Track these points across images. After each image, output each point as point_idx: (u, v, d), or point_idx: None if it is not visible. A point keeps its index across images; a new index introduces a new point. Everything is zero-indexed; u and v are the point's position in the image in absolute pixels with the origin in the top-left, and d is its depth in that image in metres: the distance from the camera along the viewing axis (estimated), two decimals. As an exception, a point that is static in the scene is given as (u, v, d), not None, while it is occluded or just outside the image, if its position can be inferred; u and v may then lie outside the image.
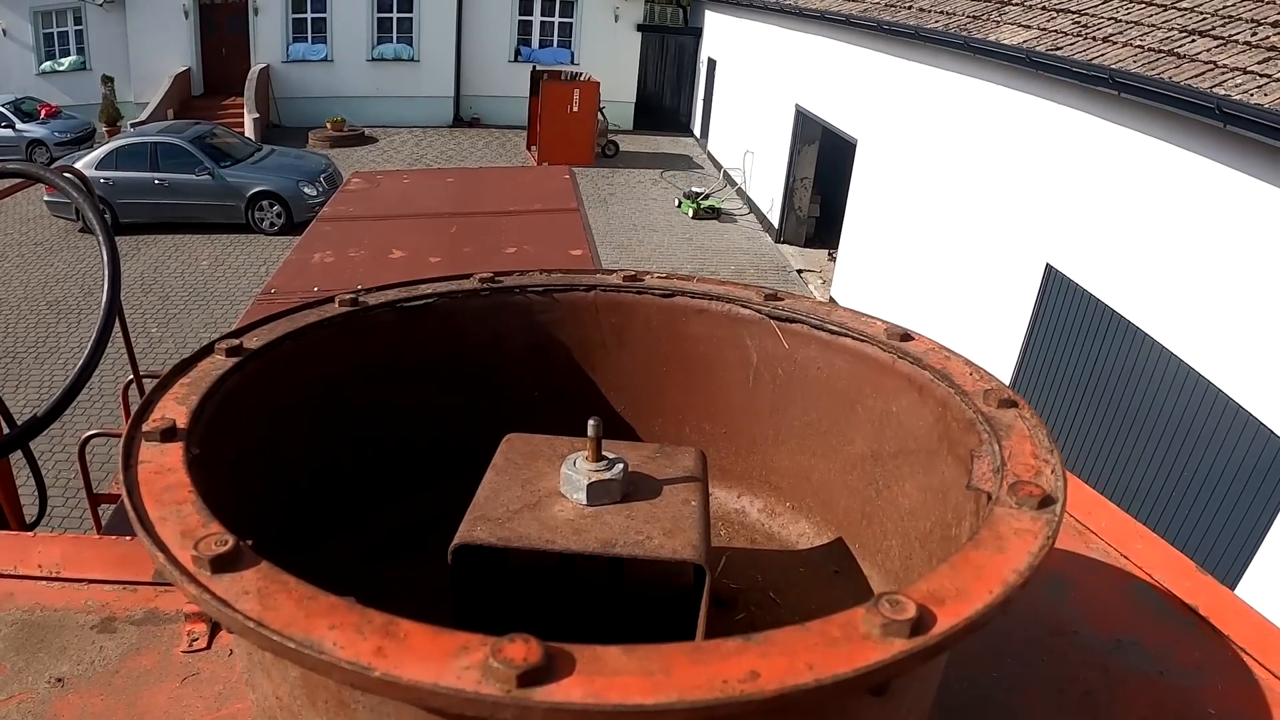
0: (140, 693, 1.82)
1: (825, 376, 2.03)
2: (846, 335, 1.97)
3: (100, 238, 3.60)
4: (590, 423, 1.61)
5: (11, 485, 4.60)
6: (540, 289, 2.19)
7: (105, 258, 3.60)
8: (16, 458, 4.19)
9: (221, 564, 1.05)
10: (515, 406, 2.19)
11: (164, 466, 1.29)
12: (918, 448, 1.80)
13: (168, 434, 1.38)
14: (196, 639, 1.95)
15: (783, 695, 0.88)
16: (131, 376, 5.01)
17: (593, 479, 1.60)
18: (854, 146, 19.33)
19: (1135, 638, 2.03)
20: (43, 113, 29.99)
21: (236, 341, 1.73)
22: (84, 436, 4.85)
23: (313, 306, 1.97)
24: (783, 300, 2.10)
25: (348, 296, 2.01)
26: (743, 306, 2.13)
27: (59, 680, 1.83)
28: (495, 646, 0.90)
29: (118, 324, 4.28)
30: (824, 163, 23.32)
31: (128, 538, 2.20)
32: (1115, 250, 10.60)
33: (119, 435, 3.96)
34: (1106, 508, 2.44)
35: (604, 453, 1.63)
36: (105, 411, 13.95)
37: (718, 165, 31.17)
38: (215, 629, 1.98)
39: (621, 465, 1.64)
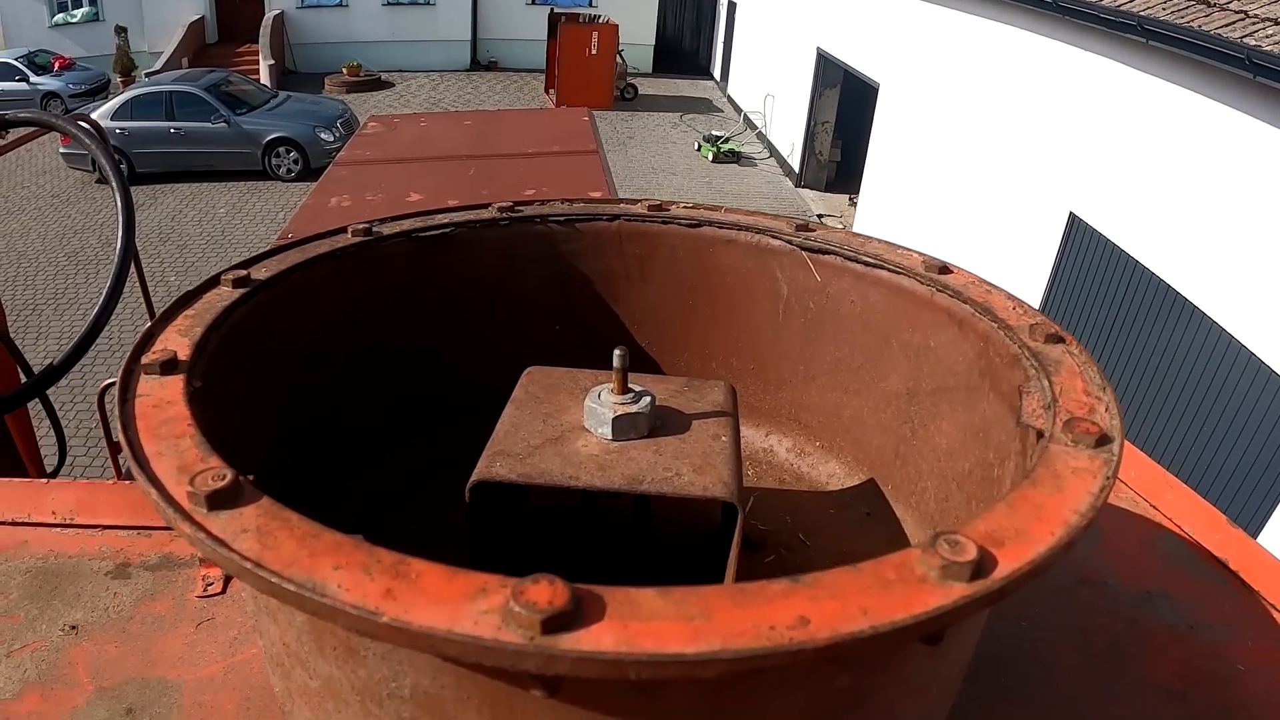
0: (154, 639, 1.78)
1: (859, 310, 1.95)
2: (882, 267, 1.88)
3: (114, 185, 3.55)
4: (616, 353, 1.53)
5: (31, 434, 4.61)
6: (561, 218, 2.10)
7: (119, 205, 3.55)
8: (36, 408, 4.17)
9: (219, 500, 0.98)
10: (535, 340, 2.12)
11: (163, 400, 1.22)
12: (957, 384, 1.72)
13: (168, 366, 1.31)
14: (211, 584, 1.91)
15: (836, 644, 0.80)
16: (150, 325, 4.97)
17: (619, 412, 1.52)
18: (876, 90, 19.04)
19: (1165, 590, 1.98)
20: (56, 65, 29.89)
21: (244, 272, 1.65)
22: (103, 385, 4.82)
23: (325, 237, 1.89)
24: (814, 231, 2.01)
25: (361, 226, 1.93)
26: (773, 237, 2.03)
27: (73, 628, 1.79)
28: (517, 588, 0.82)
29: (134, 272, 4.25)
30: (845, 107, 23.03)
31: None
32: (1140, 200, 10.42)
33: None
34: (1136, 456, 2.37)
35: (630, 385, 1.55)
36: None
37: (738, 109, 30.84)
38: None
39: (649, 398, 1.56)
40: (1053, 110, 12.44)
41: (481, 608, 0.83)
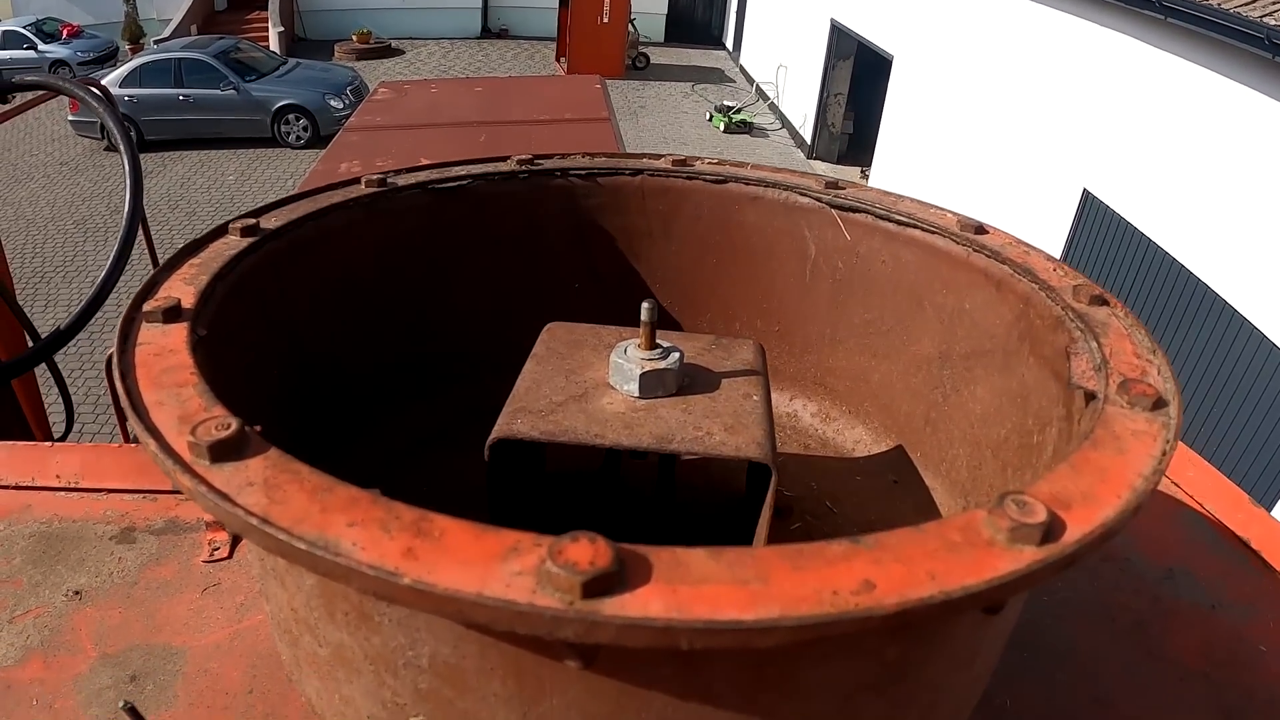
0: (159, 604, 1.75)
1: (890, 270, 1.89)
2: (915, 226, 1.81)
3: (121, 148, 3.50)
4: (644, 305, 1.47)
5: (39, 400, 4.58)
6: (583, 172, 2.04)
7: (127, 170, 3.51)
8: (44, 374, 4.14)
9: (222, 451, 0.91)
10: (554, 298, 2.05)
11: (165, 348, 1.16)
12: (994, 348, 1.66)
13: (171, 314, 1.25)
14: (218, 548, 1.88)
15: (905, 610, 0.73)
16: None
17: (646, 368, 1.46)
18: (890, 63, 18.89)
19: (1187, 568, 1.96)
20: (64, 33, 29.80)
21: (253, 221, 1.59)
22: (110, 352, 4.78)
23: (338, 188, 1.83)
24: (845, 189, 1.95)
25: (375, 177, 1.87)
26: (801, 194, 1.97)
27: (77, 593, 1.76)
28: (554, 547, 0.74)
29: (142, 238, 4.21)
30: (858, 79, 22.86)
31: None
32: (1154, 178, 10.32)
33: None
34: None
35: (658, 341, 1.49)
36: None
37: (750, 79, 30.65)
38: (236, 538, 1.91)
39: (678, 354, 1.50)
40: (1068, 86, 12.34)
41: (514, 569, 0.75)
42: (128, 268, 3.58)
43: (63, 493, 2.03)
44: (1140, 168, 10.57)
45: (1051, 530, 0.84)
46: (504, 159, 2.04)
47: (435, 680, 0.93)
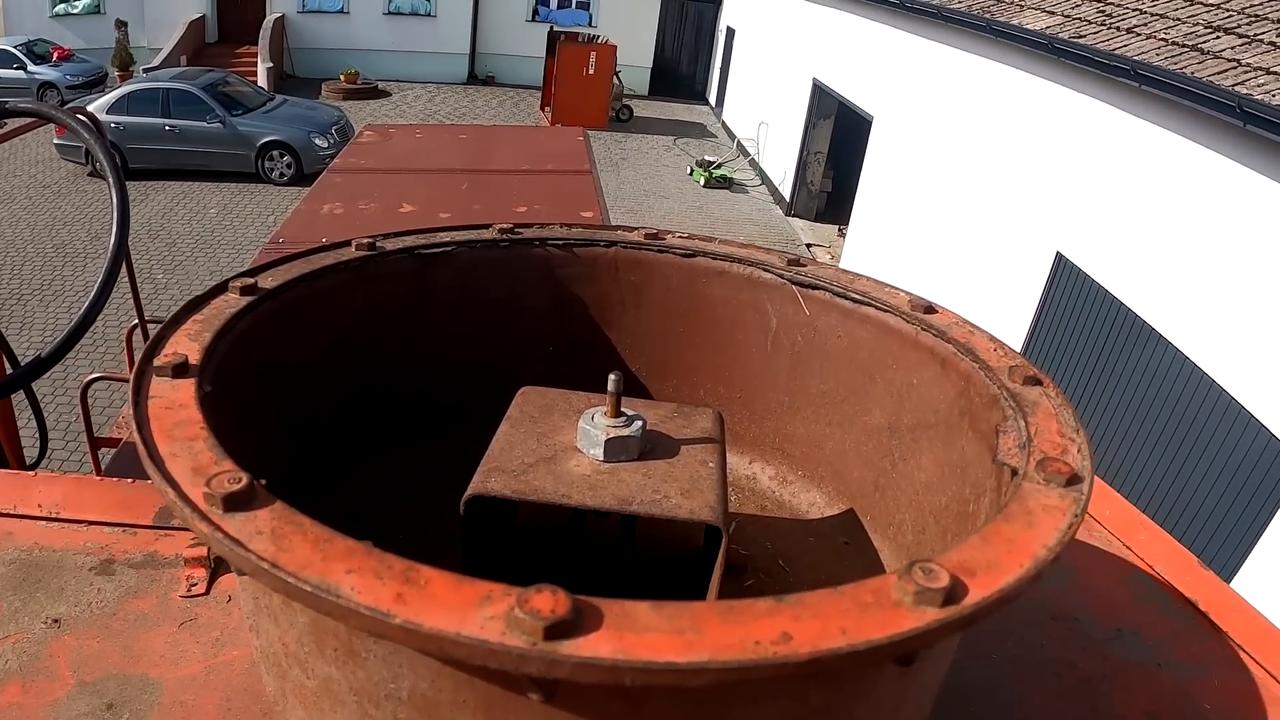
0: (137, 636, 1.79)
1: (845, 346, 1.99)
2: (869, 304, 1.93)
3: (110, 179, 3.55)
4: (611, 377, 1.57)
5: (13, 426, 4.59)
6: (560, 242, 2.15)
7: (114, 199, 3.56)
8: (20, 399, 4.17)
9: (234, 503, 1.01)
10: (530, 360, 2.16)
11: (175, 402, 1.25)
12: (937, 421, 1.77)
13: (179, 370, 1.34)
14: (195, 584, 1.93)
15: (816, 659, 0.85)
16: (136, 321, 4.97)
17: (611, 435, 1.56)
18: (870, 123, 19.17)
19: (1135, 629, 2.02)
20: (55, 55, 29.79)
21: (251, 280, 1.68)
22: (86, 380, 4.82)
23: (329, 250, 1.92)
24: (805, 266, 2.06)
25: (365, 241, 1.96)
26: (765, 270, 2.08)
27: (55, 621, 1.80)
28: (521, 597, 0.87)
29: (124, 267, 4.25)
30: (838, 138, 23.17)
31: (129, 480, 2.17)
32: (1127, 243, 10.51)
33: (122, 380, 3.92)
34: (1111, 496, 2.42)
35: (622, 409, 1.60)
36: (109, 357, 13.97)
37: (731, 135, 30.98)
38: (215, 574, 1.96)
39: (640, 423, 1.60)
40: (1044, 150, 12.58)
41: (487, 614, 0.87)
42: (110, 298, 3.63)
43: (44, 522, 2.06)
44: (1113, 232, 10.76)
45: (954, 594, 0.95)
46: (486, 227, 2.14)
47: (413, 712, 1.03)
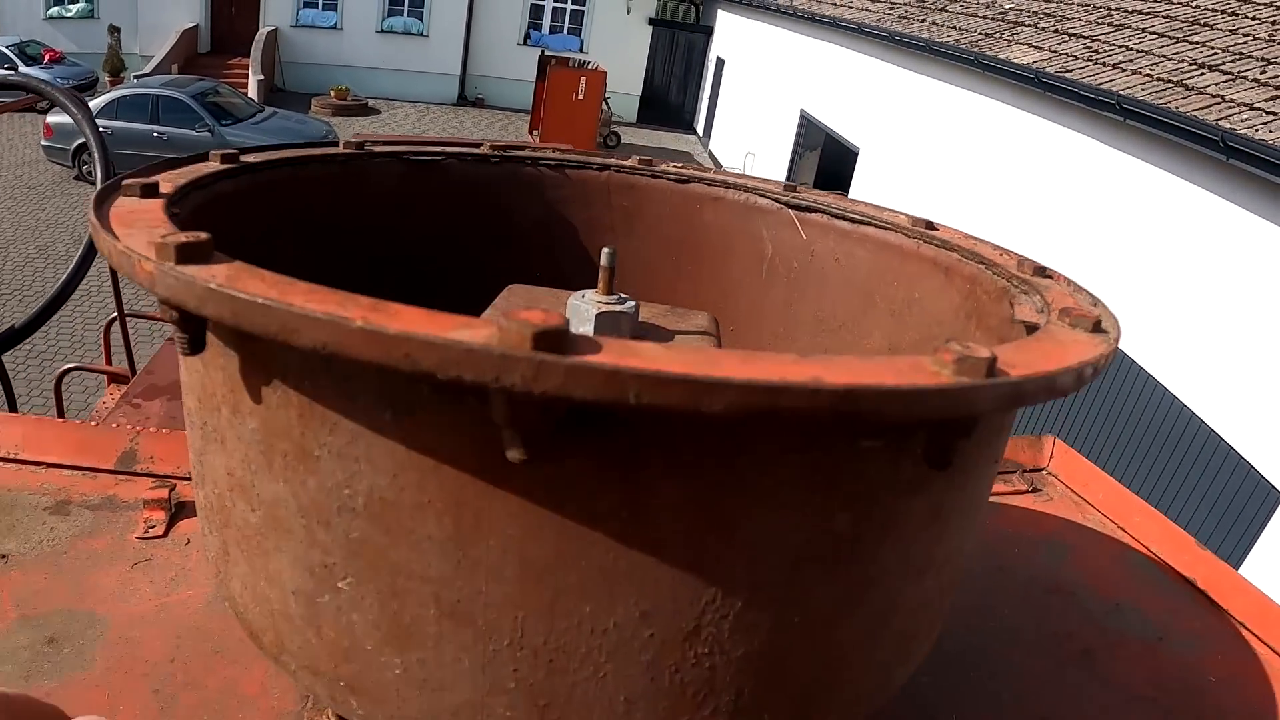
0: (87, 573, 1.76)
1: (843, 268, 1.94)
2: (868, 224, 1.88)
3: (95, 154, 3.55)
4: (604, 251, 1.52)
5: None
6: (552, 163, 2.10)
7: (99, 175, 3.55)
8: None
9: (190, 254, 0.89)
10: (516, 281, 2.12)
11: (140, 208, 1.14)
12: (941, 332, 1.70)
13: (149, 190, 1.23)
14: (154, 526, 1.89)
15: (853, 392, 0.74)
16: (115, 315, 4.92)
17: (602, 310, 1.49)
18: (856, 155, 19.29)
19: (1134, 604, 2.00)
20: (46, 57, 29.68)
21: (234, 151, 1.60)
22: (61, 369, 4.78)
23: (316, 146, 1.86)
24: (802, 192, 2.01)
25: (353, 141, 1.91)
26: (760, 196, 2.04)
27: (3, 557, 1.76)
28: (507, 315, 0.74)
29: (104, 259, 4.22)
30: (825, 169, 23.31)
31: (91, 423, 2.14)
32: (1112, 275, 10.56)
33: (97, 371, 3.86)
34: (1104, 480, 2.41)
35: (615, 291, 1.53)
36: (86, 357, 13.85)
37: (718, 164, 31.07)
38: (173, 518, 1.93)
39: (634, 304, 1.53)
40: (1030, 183, 12.70)
41: (468, 329, 0.75)
42: (85, 281, 3.61)
43: (1, 463, 2.02)
44: (1098, 263, 10.82)
45: (995, 369, 0.83)
46: (478, 144, 2.09)
47: (369, 525, 0.94)
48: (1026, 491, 2.42)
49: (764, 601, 0.94)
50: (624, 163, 2.13)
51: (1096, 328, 1.13)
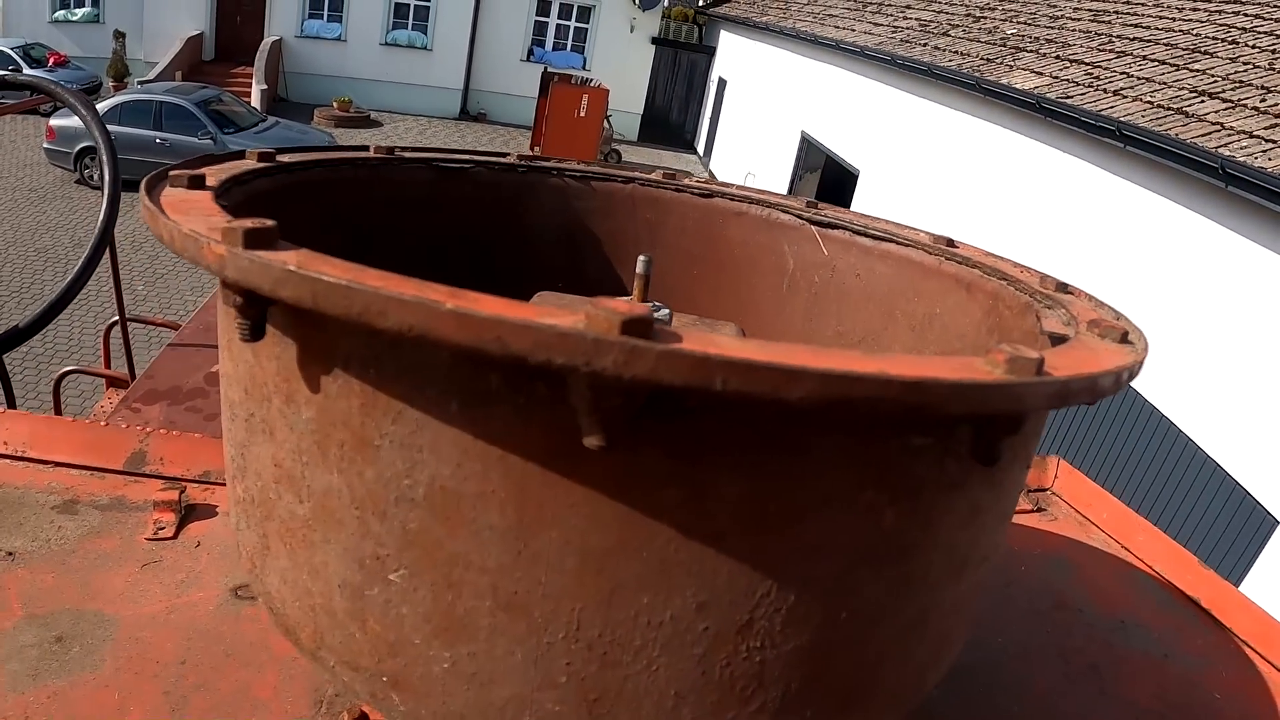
0: (95, 573, 1.74)
1: (864, 284, 1.96)
2: (890, 240, 1.89)
3: (103, 155, 3.56)
4: (640, 259, 1.52)
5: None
6: (577, 174, 2.12)
7: (106, 175, 3.56)
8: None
9: (256, 240, 0.89)
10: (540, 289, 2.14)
11: (190, 198, 1.15)
12: (963, 346, 1.72)
13: (196, 181, 1.24)
14: (163, 528, 1.87)
15: (920, 384, 0.77)
16: (116, 318, 4.90)
17: None
18: (856, 177, 19.32)
19: (1139, 621, 2.01)
20: (51, 61, 29.67)
21: (270, 150, 1.62)
22: (61, 371, 4.78)
23: (346, 149, 1.88)
24: (824, 209, 2.03)
25: (383, 146, 1.93)
26: (783, 212, 2.06)
27: (10, 554, 1.75)
28: (593, 303, 0.75)
29: (108, 261, 4.22)
30: (825, 191, 23.29)
31: (100, 423, 2.13)
32: (1110, 299, 10.54)
33: (96, 374, 3.86)
34: (1107, 500, 2.41)
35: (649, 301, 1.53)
36: (84, 360, 13.81)
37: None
38: (183, 520, 1.92)
39: (668, 311, 1.54)
40: (1030, 207, 12.71)
41: (552, 317, 0.76)
42: (79, 304, 3.60)
43: (7, 460, 2.01)
44: (1095, 289, 10.78)
45: (1043, 369, 0.87)
46: (504, 154, 2.11)
47: (427, 517, 0.94)
48: (1032, 511, 2.43)
49: (815, 595, 0.95)
50: (648, 176, 2.15)
51: (1124, 339, 1.16)
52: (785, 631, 0.96)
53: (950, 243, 1.81)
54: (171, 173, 1.25)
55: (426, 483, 0.92)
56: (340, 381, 0.94)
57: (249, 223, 0.90)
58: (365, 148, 1.92)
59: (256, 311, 0.95)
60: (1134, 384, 9.67)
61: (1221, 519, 8.45)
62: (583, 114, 29.48)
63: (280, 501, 1.09)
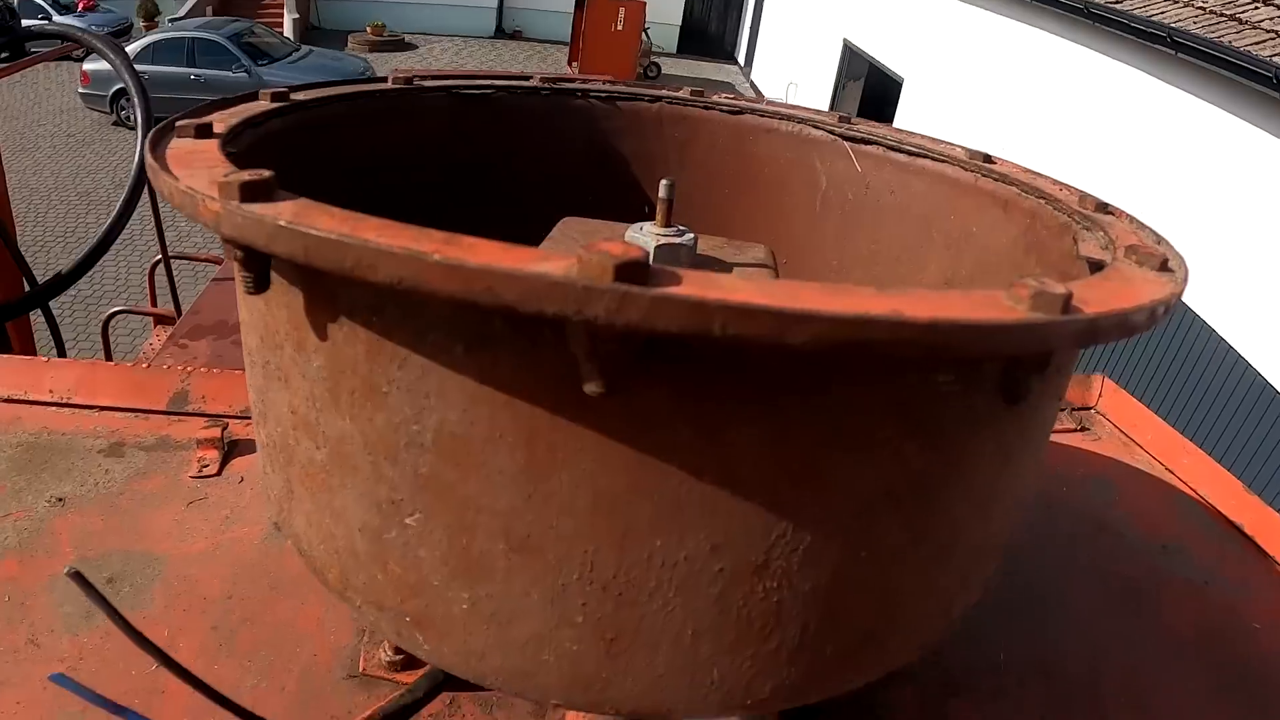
0: (143, 514, 1.78)
1: (899, 201, 1.91)
2: (925, 156, 1.84)
3: (135, 99, 3.56)
4: (663, 183, 1.48)
5: (31, 346, 4.60)
6: (603, 95, 2.07)
7: (139, 119, 3.55)
8: (39, 322, 4.16)
9: (253, 191, 0.87)
10: (566, 213, 2.10)
11: (196, 149, 1.13)
12: (999, 263, 1.67)
13: (203, 130, 1.22)
14: (207, 465, 1.91)
15: (936, 325, 0.73)
16: (159, 257, 4.92)
17: (661, 242, 1.45)
18: (900, 85, 18.94)
19: (1181, 546, 1.99)
20: (80, 5, 29.79)
21: (284, 90, 1.59)
22: (108, 313, 4.82)
23: (364, 82, 1.85)
24: (857, 124, 1.98)
25: (402, 76, 1.89)
26: (814, 127, 2.01)
27: (59, 500, 1.79)
28: (586, 248, 0.72)
29: (148, 199, 4.23)
30: (868, 100, 22.94)
31: (144, 365, 2.15)
32: (1160, 212, 10.33)
33: (144, 313, 3.90)
34: (1152, 421, 2.38)
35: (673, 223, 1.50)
36: (131, 300, 13.99)
37: (760, 95, 30.68)
38: (227, 457, 1.94)
39: (692, 235, 1.50)
40: (1076, 116, 12.39)
41: (547, 262, 0.74)
42: (128, 226, 3.61)
43: (54, 407, 2.05)
44: (1145, 200, 10.59)
45: (1070, 306, 0.82)
46: (528, 77, 2.07)
47: (438, 460, 0.93)
48: (1074, 430, 2.40)
49: (833, 536, 0.94)
50: (676, 94, 2.10)
51: (1164, 266, 1.11)
52: (803, 571, 0.95)
53: (987, 158, 1.75)
54: (178, 123, 1.23)
55: (435, 428, 0.92)
56: (346, 329, 0.94)
57: (245, 175, 0.88)
58: (383, 79, 1.89)
59: (258, 265, 0.95)
60: (1185, 300, 9.52)
61: (1269, 443, 8.31)
62: (620, 27, 29.13)
63: (299, 447, 1.09)
